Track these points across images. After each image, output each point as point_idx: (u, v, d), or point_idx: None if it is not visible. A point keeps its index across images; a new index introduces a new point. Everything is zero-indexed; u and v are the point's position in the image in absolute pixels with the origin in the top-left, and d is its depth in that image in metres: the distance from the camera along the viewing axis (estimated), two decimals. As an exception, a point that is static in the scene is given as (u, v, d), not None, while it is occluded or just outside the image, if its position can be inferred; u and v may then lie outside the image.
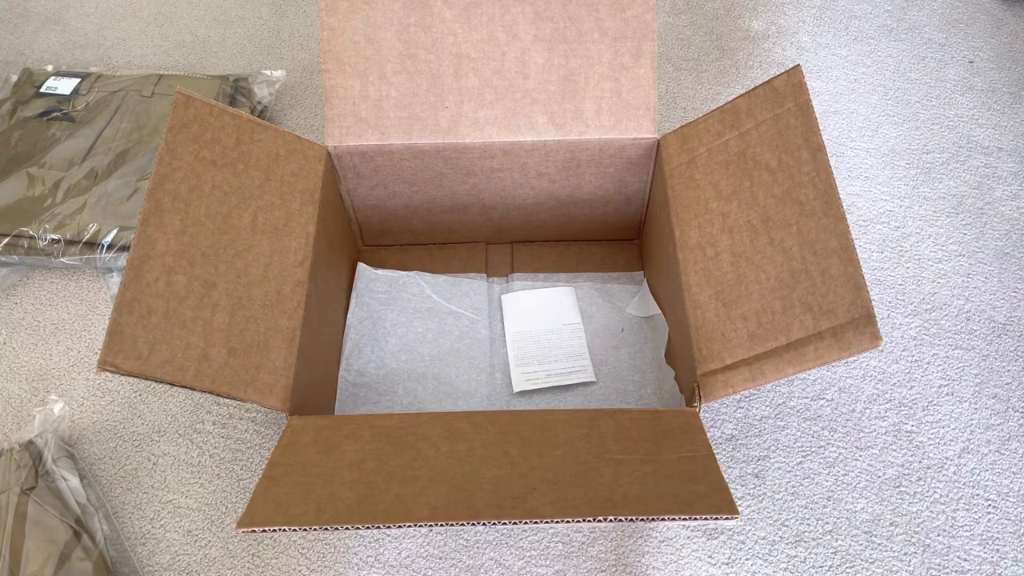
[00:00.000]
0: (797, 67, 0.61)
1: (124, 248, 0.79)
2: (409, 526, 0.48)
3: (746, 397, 0.73)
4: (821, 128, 0.61)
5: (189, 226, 0.58)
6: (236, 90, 0.92)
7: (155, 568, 0.64)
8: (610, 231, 0.81)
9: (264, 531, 0.48)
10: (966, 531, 0.66)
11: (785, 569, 0.64)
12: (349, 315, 0.75)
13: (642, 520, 0.48)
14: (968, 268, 0.82)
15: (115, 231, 0.79)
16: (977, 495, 0.68)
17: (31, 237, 0.79)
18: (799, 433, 0.71)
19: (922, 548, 0.65)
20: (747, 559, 0.64)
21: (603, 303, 0.77)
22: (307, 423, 0.56)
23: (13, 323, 0.79)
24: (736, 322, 0.57)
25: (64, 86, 0.91)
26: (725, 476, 0.59)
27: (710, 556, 0.64)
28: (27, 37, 1.05)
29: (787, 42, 1.02)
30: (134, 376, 0.51)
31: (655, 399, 0.71)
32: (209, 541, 0.65)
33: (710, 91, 0.97)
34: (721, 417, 0.72)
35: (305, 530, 0.48)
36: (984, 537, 0.65)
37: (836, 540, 0.65)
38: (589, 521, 0.48)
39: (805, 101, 0.60)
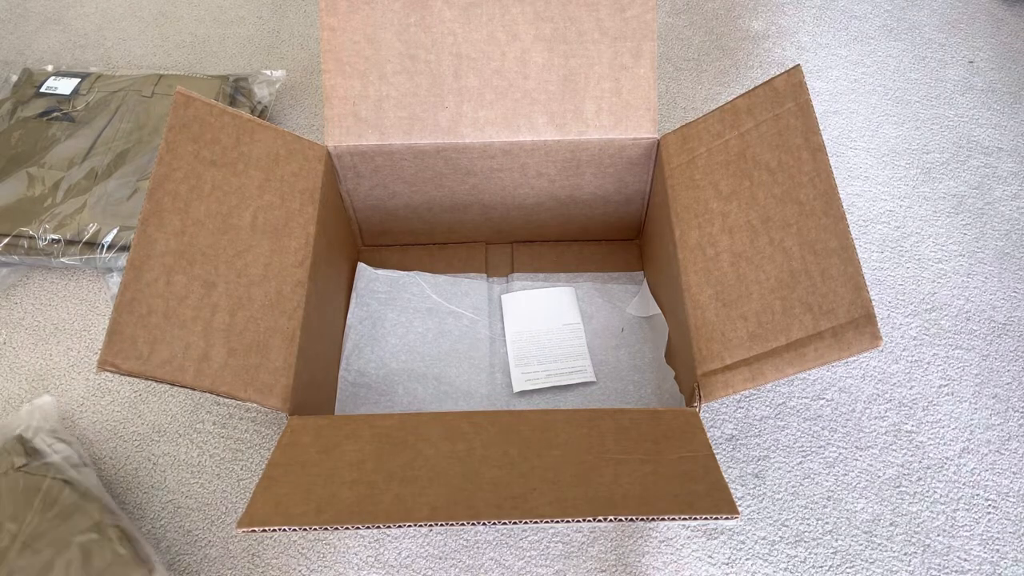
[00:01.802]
0: (797, 67, 0.61)
1: (124, 248, 0.79)
2: (409, 526, 0.48)
3: (746, 397, 0.73)
4: (821, 128, 0.61)
5: (189, 226, 0.58)
6: (236, 90, 0.92)
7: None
8: (610, 231, 0.81)
9: (264, 531, 0.48)
10: (966, 531, 0.66)
11: (785, 569, 0.64)
12: (349, 315, 0.75)
13: (642, 520, 0.48)
14: (968, 268, 0.82)
15: (115, 231, 0.79)
16: (977, 495, 0.68)
17: (31, 237, 0.79)
18: (799, 433, 0.71)
19: (922, 548, 0.65)
20: (747, 559, 0.64)
21: (603, 303, 0.77)
22: (307, 423, 0.56)
23: (13, 323, 0.79)
24: (736, 322, 0.57)
25: (64, 86, 0.91)
26: (725, 476, 0.59)
27: (710, 556, 0.64)
28: (27, 37, 1.05)
29: (787, 42, 1.02)
30: (134, 376, 0.51)
31: (655, 399, 0.71)
32: (209, 541, 0.65)
33: (710, 91, 0.97)
34: (721, 417, 0.72)
35: (305, 530, 0.48)
36: (984, 537, 0.65)
37: (836, 540, 0.65)
38: (589, 521, 0.48)
39: (805, 101, 0.60)
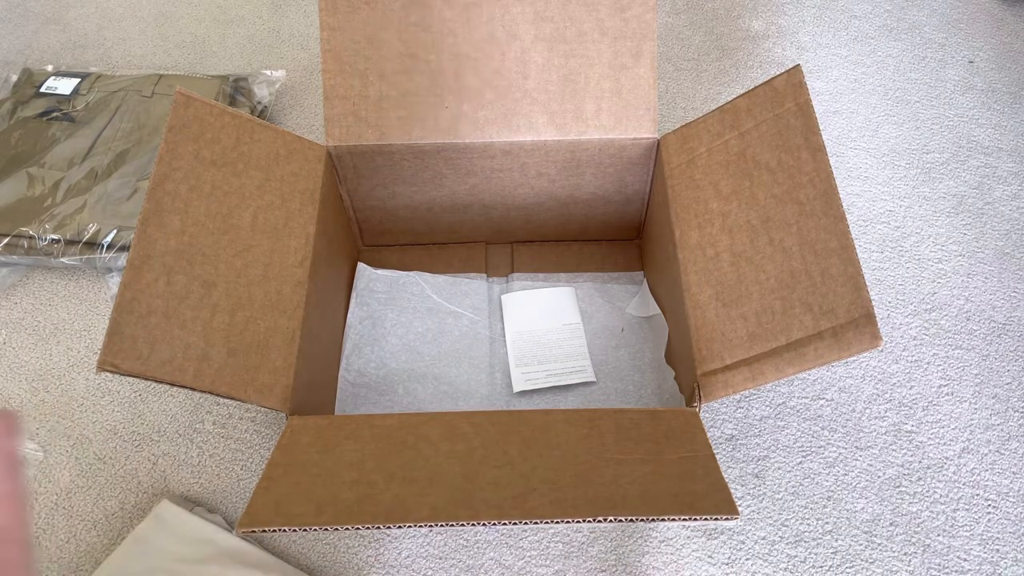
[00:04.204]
0: (797, 67, 0.61)
1: (124, 248, 0.78)
2: (409, 526, 0.48)
3: (746, 397, 0.73)
4: (821, 128, 0.61)
5: (189, 226, 0.58)
6: (236, 90, 0.92)
7: (155, 568, 0.64)
8: (610, 231, 0.81)
9: (264, 531, 0.48)
10: (966, 531, 0.66)
11: (785, 569, 0.64)
12: (349, 315, 0.75)
13: (642, 520, 0.48)
14: (968, 268, 0.82)
15: (115, 231, 0.79)
16: (977, 495, 0.68)
17: (31, 237, 0.79)
18: (799, 433, 0.71)
19: (922, 548, 0.65)
20: (747, 559, 0.64)
21: (603, 303, 0.77)
22: (307, 423, 0.56)
23: (13, 323, 0.79)
24: (736, 322, 0.57)
25: (64, 86, 0.91)
26: (725, 476, 0.59)
27: (710, 556, 0.64)
28: (27, 37, 1.05)
29: (787, 42, 1.02)
30: (134, 376, 0.51)
31: (655, 399, 0.71)
32: (209, 541, 0.65)
33: (710, 91, 0.97)
34: (721, 417, 0.72)
35: (305, 530, 0.48)
36: (984, 537, 0.65)
37: (836, 540, 0.65)
38: (589, 521, 0.48)
39: (805, 101, 0.60)
